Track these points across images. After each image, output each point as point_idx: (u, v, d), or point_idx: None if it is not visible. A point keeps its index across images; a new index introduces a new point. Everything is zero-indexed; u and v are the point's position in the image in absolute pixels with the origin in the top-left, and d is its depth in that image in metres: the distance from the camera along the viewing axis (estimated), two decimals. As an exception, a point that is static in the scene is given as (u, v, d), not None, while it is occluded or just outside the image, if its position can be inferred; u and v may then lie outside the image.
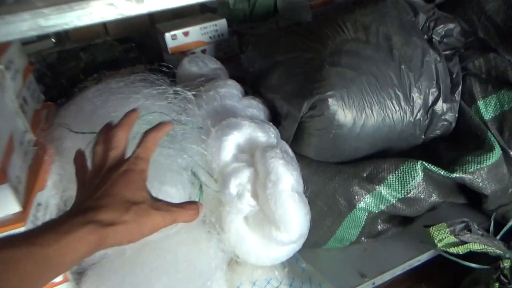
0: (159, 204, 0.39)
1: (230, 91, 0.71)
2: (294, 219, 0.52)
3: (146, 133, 0.43)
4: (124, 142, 0.43)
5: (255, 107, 0.74)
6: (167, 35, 1.09)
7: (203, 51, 1.15)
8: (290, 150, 0.65)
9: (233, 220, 0.57)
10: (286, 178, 0.53)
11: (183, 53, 1.13)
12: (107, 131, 0.43)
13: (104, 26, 2.04)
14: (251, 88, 0.91)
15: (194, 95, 0.67)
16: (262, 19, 1.37)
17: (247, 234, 0.58)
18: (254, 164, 0.56)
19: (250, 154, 0.59)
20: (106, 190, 0.37)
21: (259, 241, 0.58)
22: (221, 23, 1.15)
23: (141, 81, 0.71)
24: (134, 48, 1.43)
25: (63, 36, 1.93)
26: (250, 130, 0.59)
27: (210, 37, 1.14)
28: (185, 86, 0.85)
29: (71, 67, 1.24)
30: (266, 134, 0.61)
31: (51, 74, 1.19)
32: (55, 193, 0.57)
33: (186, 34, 1.11)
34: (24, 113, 0.61)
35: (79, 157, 0.46)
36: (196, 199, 0.59)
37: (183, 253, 0.56)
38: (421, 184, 0.65)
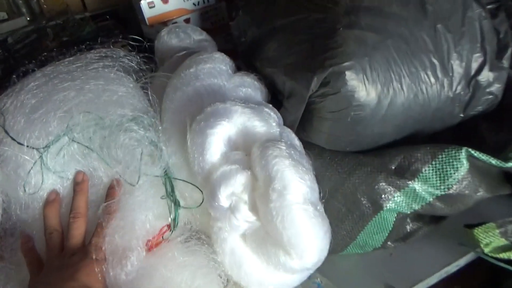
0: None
1: (216, 66, 0.56)
2: (309, 241, 0.39)
3: (99, 223, 0.46)
4: (83, 229, 0.46)
5: (249, 86, 0.59)
6: (143, 3, 0.93)
7: (187, 21, 0.99)
8: (298, 142, 0.51)
9: (226, 239, 0.43)
10: (296, 186, 0.39)
11: (163, 23, 0.97)
12: (56, 210, 0.47)
13: (82, 1, 1.86)
14: (245, 62, 0.76)
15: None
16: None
17: (245, 256, 0.44)
18: (251, 165, 0.42)
19: (246, 151, 0.44)
20: (71, 275, 0.41)
21: (262, 265, 0.44)
22: (206, -13, 0.98)
23: (102, 59, 0.56)
24: (115, 23, 1.27)
25: (37, 13, 1.76)
26: (243, 118, 0.44)
27: (194, 4, 0.99)
28: (162, 63, 0.70)
29: (37, 46, 1.08)
30: (266, 123, 0.46)
31: (11, 56, 1.02)
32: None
33: (165, 0, 0.95)
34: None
35: (30, 252, 0.46)
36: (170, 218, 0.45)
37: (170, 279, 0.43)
38: (466, 177, 0.51)
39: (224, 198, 0.40)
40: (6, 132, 0.45)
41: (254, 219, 0.41)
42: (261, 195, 0.39)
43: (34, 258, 0.45)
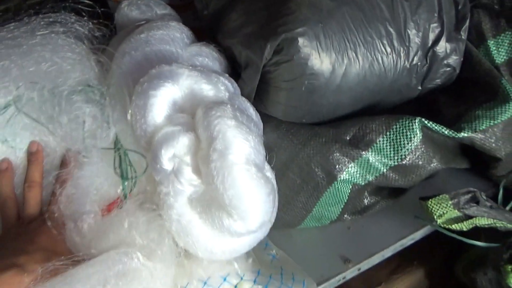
0: None
1: (170, 33, 0.54)
2: (251, 202, 0.38)
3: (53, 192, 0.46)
4: (39, 198, 0.46)
5: (207, 56, 0.57)
6: (107, -25, 0.89)
7: (154, -5, 0.95)
8: (251, 109, 0.49)
9: (172, 205, 0.42)
10: (238, 146, 0.37)
11: (128, -1, 0.93)
12: (10, 178, 0.46)
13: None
14: (209, 37, 0.74)
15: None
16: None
17: (192, 222, 0.42)
18: (195, 127, 0.40)
19: (192, 115, 0.42)
20: (31, 239, 0.41)
21: (210, 231, 0.43)
22: (174, -41, 0.95)
23: (51, 25, 0.54)
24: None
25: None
26: (190, 80, 0.43)
27: (162, -22, 0.95)
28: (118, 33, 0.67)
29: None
30: (214, 86, 0.44)
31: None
32: None
33: (131, -27, 0.91)
34: None
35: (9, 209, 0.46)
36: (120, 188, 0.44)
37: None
38: (419, 147, 0.51)
39: (166, 160, 0.39)
40: None
41: (198, 182, 0.40)
42: (203, 156, 0.38)
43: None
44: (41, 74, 0.51)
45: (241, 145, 0.38)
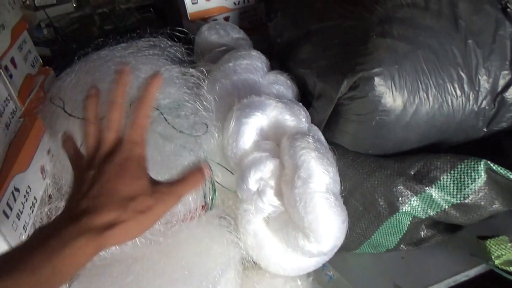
0: (159, 191, 0.36)
1: (253, 63, 0.59)
2: (328, 228, 0.42)
3: (136, 106, 0.38)
4: (119, 120, 0.38)
5: (282, 84, 0.62)
6: (187, -1, 0.98)
7: (226, 18, 1.03)
8: (323, 139, 0.54)
9: (250, 220, 0.47)
10: (320, 176, 0.42)
11: (204, 19, 1.01)
12: (95, 104, 0.39)
13: (126, -8, 1.93)
14: (279, 62, 0.79)
15: (208, 68, 0.57)
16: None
17: (267, 239, 0.47)
18: (280, 154, 0.45)
19: (276, 142, 0.47)
20: (101, 188, 0.34)
21: (282, 248, 0.47)
22: (248, -13, 1.02)
23: (151, 48, 0.61)
24: (155, 16, 1.33)
25: (84, 1, 1.86)
26: (276, 111, 0.48)
27: (235, 3, 1.03)
28: (202, 56, 0.74)
29: (83, 31, 1.15)
30: (296, 118, 0.49)
31: (61, 38, 1.09)
32: (40, 179, 0.48)
33: (208, -2, 0.99)
34: (9, 77, 0.51)
35: (69, 143, 0.40)
36: (208, 198, 0.49)
37: (183, 251, 0.47)
38: (482, 188, 0.53)
39: (253, 181, 0.44)
40: (64, 110, 0.50)
41: (278, 203, 0.45)
42: (287, 181, 0.43)
43: (74, 151, 0.39)
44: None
45: (322, 175, 0.42)
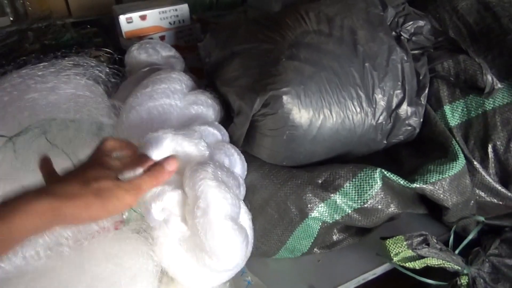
0: (123, 182, 0.38)
1: (171, 86, 0.62)
2: (227, 250, 0.45)
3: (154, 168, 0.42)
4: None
5: (202, 104, 0.65)
6: (122, 18, 1.00)
7: (162, 38, 1.06)
8: (235, 154, 0.58)
9: (163, 243, 0.50)
10: (218, 205, 0.45)
11: (140, 38, 1.04)
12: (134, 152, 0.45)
13: (67, 7, 1.91)
14: (209, 80, 0.84)
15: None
16: (230, 8, 1.30)
17: (180, 257, 0.50)
18: (183, 184, 0.48)
19: (179, 173, 0.50)
20: (71, 171, 0.38)
21: (194, 265, 0.50)
22: (183, 8, 1.06)
23: (74, 67, 0.63)
24: (98, 31, 1.32)
25: (20, 15, 1.80)
26: (174, 143, 0.50)
27: (170, 23, 1.06)
28: (129, 75, 0.77)
29: (16, 47, 1.13)
30: (196, 147, 0.51)
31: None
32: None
33: (143, 17, 1.02)
34: None
35: (46, 165, 0.41)
36: (125, 213, 0.51)
37: (92, 264, 0.48)
38: (379, 193, 0.60)
39: (157, 212, 0.47)
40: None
41: (185, 229, 0.48)
42: (189, 211, 0.46)
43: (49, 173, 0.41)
44: (63, 107, 0.59)
45: (220, 204, 0.46)
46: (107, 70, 0.65)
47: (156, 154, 0.47)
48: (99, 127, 0.58)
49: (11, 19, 1.66)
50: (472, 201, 0.66)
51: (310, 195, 0.60)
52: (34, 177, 0.55)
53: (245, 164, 0.59)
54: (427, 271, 0.68)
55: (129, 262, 0.48)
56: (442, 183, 0.61)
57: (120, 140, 0.44)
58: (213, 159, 0.52)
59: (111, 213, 0.37)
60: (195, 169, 0.47)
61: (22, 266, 0.42)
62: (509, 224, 0.74)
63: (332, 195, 0.60)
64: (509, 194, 0.66)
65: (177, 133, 0.50)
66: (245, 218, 0.52)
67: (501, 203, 0.68)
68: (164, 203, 0.47)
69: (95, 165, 0.39)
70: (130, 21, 1.01)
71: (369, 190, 0.60)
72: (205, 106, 0.64)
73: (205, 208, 0.45)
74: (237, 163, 0.57)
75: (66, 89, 0.60)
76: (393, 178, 0.60)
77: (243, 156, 0.61)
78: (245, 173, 0.61)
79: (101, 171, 0.38)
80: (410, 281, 0.80)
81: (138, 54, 0.76)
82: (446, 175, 0.61)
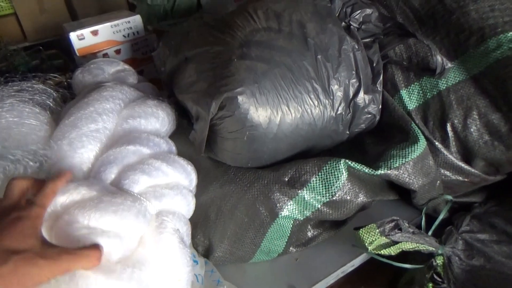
0: (49, 252, 0.36)
1: (99, 108, 0.58)
2: None
3: (47, 181, 0.42)
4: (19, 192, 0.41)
5: (139, 115, 0.61)
6: (72, 35, 0.97)
7: (117, 51, 1.04)
8: (148, 176, 0.53)
9: None
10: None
11: (94, 54, 1.01)
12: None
13: (21, 30, 1.84)
14: (166, 89, 0.82)
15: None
16: (185, 15, 1.28)
17: None
18: None
19: None
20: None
21: None
22: (135, 20, 1.04)
23: (19, 93, 0.60)
24: (60, 53, 1.28)
25: (-29, 40, 1.72)
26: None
27: (124, 36, 1.04)
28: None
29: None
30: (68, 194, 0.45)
31: None
32: None
33: (94, 33, 0.99)
34: None
35: None
36: None
37: None
38: (346, 184, 0.60)
39: None
40: None
41: None
42: None
43: None
44: (6, 137, 0.56)
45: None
46: (55, 95, 0.62)
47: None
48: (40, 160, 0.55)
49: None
50: (438, 181, 0.66)
51: (278, 194, 0.59)
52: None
53: (188, 168, 0.57)
54: (405, 256, 0.69)
55: None
56: (406, 167, 0.61)
57: (27, 179, 0.42)
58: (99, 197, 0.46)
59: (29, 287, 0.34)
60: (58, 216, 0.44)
61: None
62: (477, 200, 0.75)
63: (299, 191, 0.59)
64: (473, 170, 0.67)
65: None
66: (165, 245, 0.47)
67: (466, 180, 0.69)
68: None
69: (16, 232, 0.36)
70: (81, 38, 0.98)
71: (336, 182, 0.59)
72: (143, 117, 0.61)
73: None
74: (169, 174, 0.54)
75: (10, 118, 0.57)
76: (358, 167, 0.60)
77: (182, 162, 0.58)
78: (192, 177, 0.58)
79: (23, 240, 0.35)
80: (390, 269, 0.81)
81: (82, 78, 0.73)
82: (409, 158, 0.61)
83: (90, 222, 0.41)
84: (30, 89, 0.60)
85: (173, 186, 0.54)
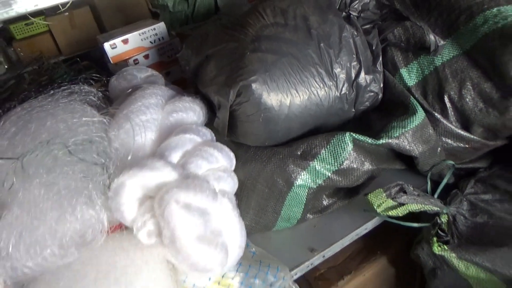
0: None
1: (145, 102, 0.69)
2: (205, 265, 0.51)
3: None
4: None
5: (180, 110, 0.72)
6: (106, 45, 1.09)
7: (146, 56, 1.15)
8: (216, 152, 0.63)
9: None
10: (183, 231, 0.49)
11: (125, 61, 1.13)
12: None
13: (56, 46, 2.02)
14: (193, 86, 0.92)
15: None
16: (205, 19, 1.39)
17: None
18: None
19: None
20: None
21: None
22: (160, 27, 1.15)
23: (70, 94, 0.71)
24: (90, 63, 1.42)
25: (14, 61, 1.92)
26: (136, 183, 0.53)
27: (151, 42, 1.15)
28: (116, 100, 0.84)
29: (15, 90, 1.23)
30: (160, 173, 0.53)
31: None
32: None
33: (125, 41, 1.11)
34: None
35: None
36: None
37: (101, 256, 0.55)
38: (352, 154, 0.68)
39: (144, 237, 0.53)
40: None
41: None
42: (164, 237, 0.51)
43: None
44: (60, 131, 0.67)
45: (186, 230, 0.49)
46: (100, 95, 0.73)
47: (123, 203, 0.52)
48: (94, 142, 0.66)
49: (6, 66, 1.77)
50: (439, 148, 0.73)
51: (292, 166, 0.68)
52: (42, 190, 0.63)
53: (231, 154, 0.67)
54: (417, 219, 0.76)
55: (137, 253, 0.55)
56: (405, 136, 0.68)
57: None
58: (182, 179, 0.55)
59: None
60: (160, 198, 0.51)
61: (44, 264, 0.50)
62: (482, 165, 0.81)
63: (311, 162, 0.68)
64: (472, 136, 0.73)
65: (136, 172, 0.53)
66: (230, 220, 0.57)
67: (467, 146, 0.75)
68: (147, 228, 0.52)
69: None
70: (114, 47, 1.10)
71: (343, 152, 0.68)
72: (183, 111, 0.71)
73: (170, 236, 0.49)
74: (219, 160, 0.64)
75: (63, 114, 0.69)
76: (362, 138, 0.68)
77: (226, 149, 0.67)
78: (233, 162, 0.68)
79: None
80: (403, 235, 0.88)
81: (118, 84, 0.83)
82: (408, 128, 0.68)
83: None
84: (79, 91, 0.72)
85: (224, 169, 0.64)
